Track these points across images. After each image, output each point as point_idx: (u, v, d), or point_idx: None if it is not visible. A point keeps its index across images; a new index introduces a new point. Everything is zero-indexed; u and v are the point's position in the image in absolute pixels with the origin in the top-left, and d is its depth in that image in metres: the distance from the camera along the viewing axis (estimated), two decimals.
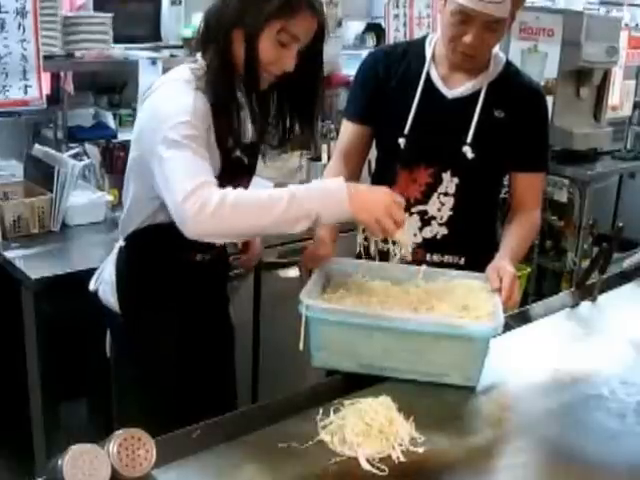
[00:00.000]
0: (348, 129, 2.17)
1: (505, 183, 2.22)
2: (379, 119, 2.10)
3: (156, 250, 1.83)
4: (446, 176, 2.04)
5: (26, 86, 2.49)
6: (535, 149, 2.12)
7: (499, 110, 2.02)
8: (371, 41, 5.13)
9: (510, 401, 1.73)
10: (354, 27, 5.06)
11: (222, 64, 1.68)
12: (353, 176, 2.14)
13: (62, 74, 2.99)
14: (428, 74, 2.05)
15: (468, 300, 1.79)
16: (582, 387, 1.77)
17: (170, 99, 1.66)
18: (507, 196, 2.18)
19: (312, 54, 1.73)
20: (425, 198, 2.07)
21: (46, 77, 2.72)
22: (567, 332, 2.09)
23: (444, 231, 2.08)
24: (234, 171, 1.78)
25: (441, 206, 2.06)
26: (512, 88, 2.06)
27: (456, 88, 2.04)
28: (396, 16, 3.88)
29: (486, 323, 1.69)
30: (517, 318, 2.10)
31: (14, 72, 2.46)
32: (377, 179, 2.18)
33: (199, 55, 1.75)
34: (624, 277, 2.46)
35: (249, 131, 1.83)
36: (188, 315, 1.91)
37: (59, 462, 1.23)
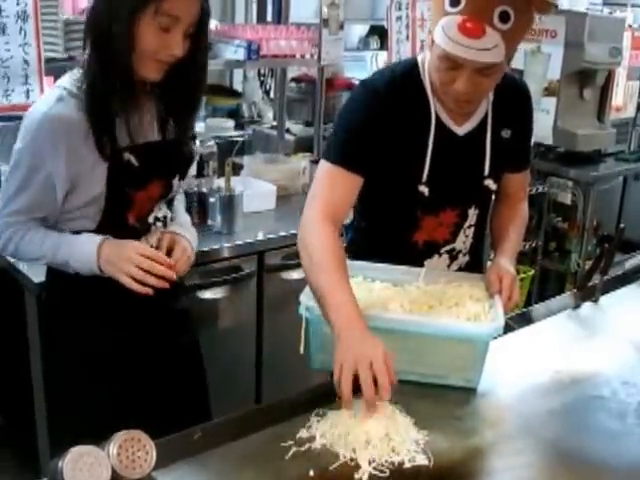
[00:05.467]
0: (340, 178, 1.83)
1: None
2: (387, 167, 1.88)
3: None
4: (471, 211, 1.99)
5: (28, 90, 2.50)
6: (528, 149, 2.07)
7: (505, 129, 1.93)
8: (374, 44, 5.15)
9: (511, 402, 1.73)
10: (357, 30, 5.08)
11: (98, 67, 1.67)
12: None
13: None
14: (437, 114, 1.85)
15: (468, 301, 1.79)
16: (583, 388, 1.76)
17: (31, 111, 1.74)
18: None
19: (196, 36, 1.71)
20: (453, 237, 2.00)
21: (49, 81, 2.72)
22: (569, 333, 2.09)
23: (467, 259, 2.05)
24: (125, 175, 1.75)
25: (466, 239, 2.02)
26: (509, 100, 1.93)
27: (465, 123, 1.89)
28: (398, 18, 3.88)
29: (486, 325, 1.69)
30: (519, 319, 2.10)
31: (16, 76, 2.46)
32: (393, 224, 1.99)
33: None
34: (626, 278, 2.45)
35: (142, 131, 1.79)
36: (111, 326, 1.87)
37: (59, 464, 1.23)
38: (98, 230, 1.78)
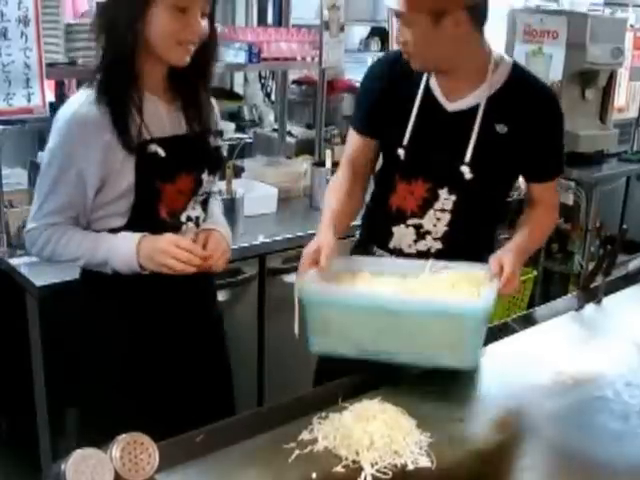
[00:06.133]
0: (353, 138, 2.12)
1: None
2: (381, 130, 2.04)
3: None
4: (443, 193, 1.97)
5: (29, 94, 2.49)
6: (552, 158, 2.02)
7: (502, 124, 1.91)
8: (375, 45, 5.16)
9: (514, 403, 1.72)
10: (358, 31, 5.08)
11: (109, 56, 1.74)
12: (360, 184, 2.10)
13: (66, 82, 3.01)
14: (427, 84, 1.96)
15: (465, 284, 1.78)
16: (586, 389, 1.76)
17: (61, 111, 1.77)
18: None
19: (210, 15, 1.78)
20: (421, 212, 2.00)
21: (50, 85, 2.73)
22: (572, 334, 2.09)
23: (438, 245, 2.02)
24: (153, 166, 1.78)
25: (437, 222, 2.00)
26: (518, 99, 1.92)
27: (457, 101, 1.93)
28: None
29: (473, 300, 1.69)
30: (522, 321, 2.10)
31: (17, 80, 2.46)
32: (378, 188, 2.13)
33: None
34: (629, 279, 2.45)
35: (168, 124, 1.83)
36: (144, 324, 1.90)
37: (62, 467, 1.23)
38: (129, 226, 1.80)
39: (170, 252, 1.75)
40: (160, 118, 1.81)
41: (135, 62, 1.74)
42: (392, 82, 2.01)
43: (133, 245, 1.76)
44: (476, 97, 1.92)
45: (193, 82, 1.85)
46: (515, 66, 1.96)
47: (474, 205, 2.00)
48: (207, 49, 1.81)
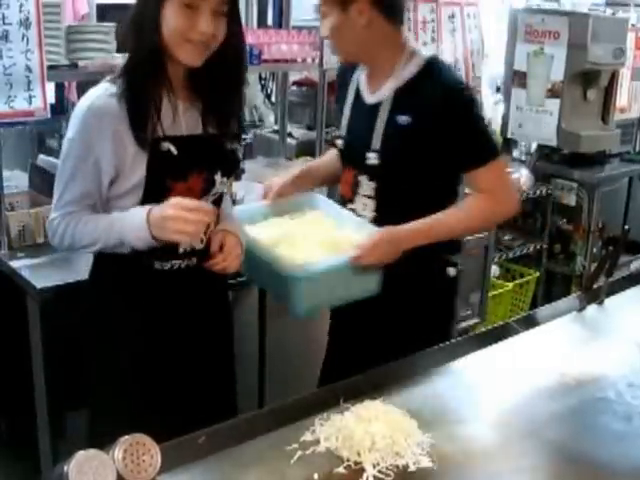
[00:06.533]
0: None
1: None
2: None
3: (119, 257, 1.85)
4: (363, 179, 2.10)
5: (30, 97, 2.50)
6: (468, 146, 2.02)
7: (405, 116, 2.00)
8: None
9: (516, 404, 1.72)
10: None
11: (131, 52, 1.78)
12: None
13: (66, 84, 3.01)
14: (358, 81, 2.16)
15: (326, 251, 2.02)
16: (589, 390, 1.76)
17: (79, 103, 1.81)
18: None
19: (228, 18, 1.77)
20: (353, 197, 2.16)
21: (50, 87, 2.73)
22: (574, 335, 2.09)
23: None
24: (165, 163, 1.79)
25: (364, 207, 2.13)
26: (422, 91, 2.01)
27: (375, 93, 2.09)
28: None
29: (296, 264, 1.89)
30: (524, 321, 2.10)
31: (18, 83, 2.47)
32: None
33: None
34: (631, 280, 2.44)
35: (185, 123, 1.84)
36: (155, 323, 1.90)
37: (65, 468, 1.22)
38: None
39: (179, 216, 1.72)
40: (177, 117, 1.82)
41: (160, 63, 1.76)
42: (344, 80, 2.23)
43: (143, 217, 1.74)
44: (387, 89, 2.05)
45: (212, 84, 1.85)
46: (430, 62, 2.05)
47: (395, 193, 2.09)
48: (226, 51, 1.79)
